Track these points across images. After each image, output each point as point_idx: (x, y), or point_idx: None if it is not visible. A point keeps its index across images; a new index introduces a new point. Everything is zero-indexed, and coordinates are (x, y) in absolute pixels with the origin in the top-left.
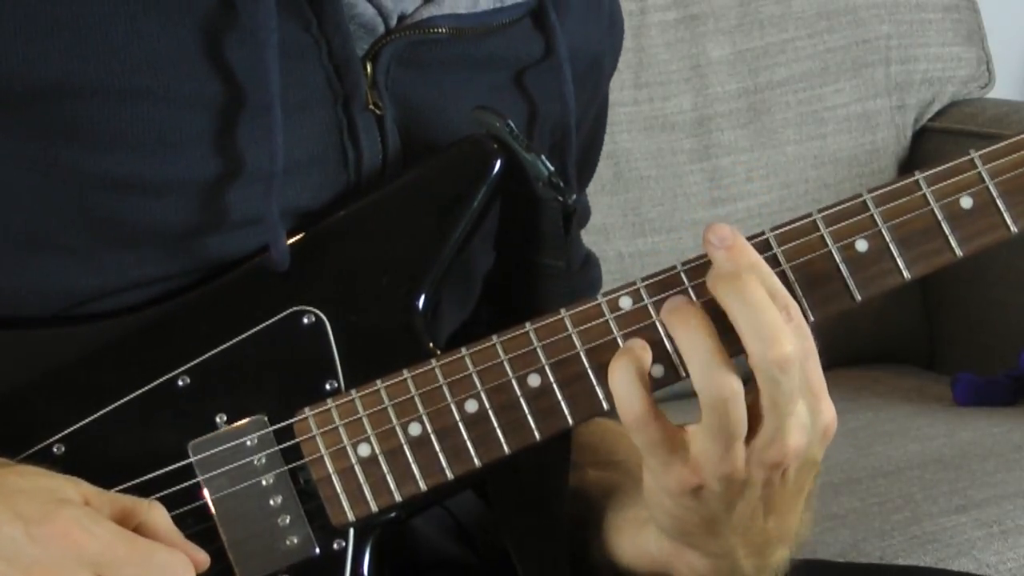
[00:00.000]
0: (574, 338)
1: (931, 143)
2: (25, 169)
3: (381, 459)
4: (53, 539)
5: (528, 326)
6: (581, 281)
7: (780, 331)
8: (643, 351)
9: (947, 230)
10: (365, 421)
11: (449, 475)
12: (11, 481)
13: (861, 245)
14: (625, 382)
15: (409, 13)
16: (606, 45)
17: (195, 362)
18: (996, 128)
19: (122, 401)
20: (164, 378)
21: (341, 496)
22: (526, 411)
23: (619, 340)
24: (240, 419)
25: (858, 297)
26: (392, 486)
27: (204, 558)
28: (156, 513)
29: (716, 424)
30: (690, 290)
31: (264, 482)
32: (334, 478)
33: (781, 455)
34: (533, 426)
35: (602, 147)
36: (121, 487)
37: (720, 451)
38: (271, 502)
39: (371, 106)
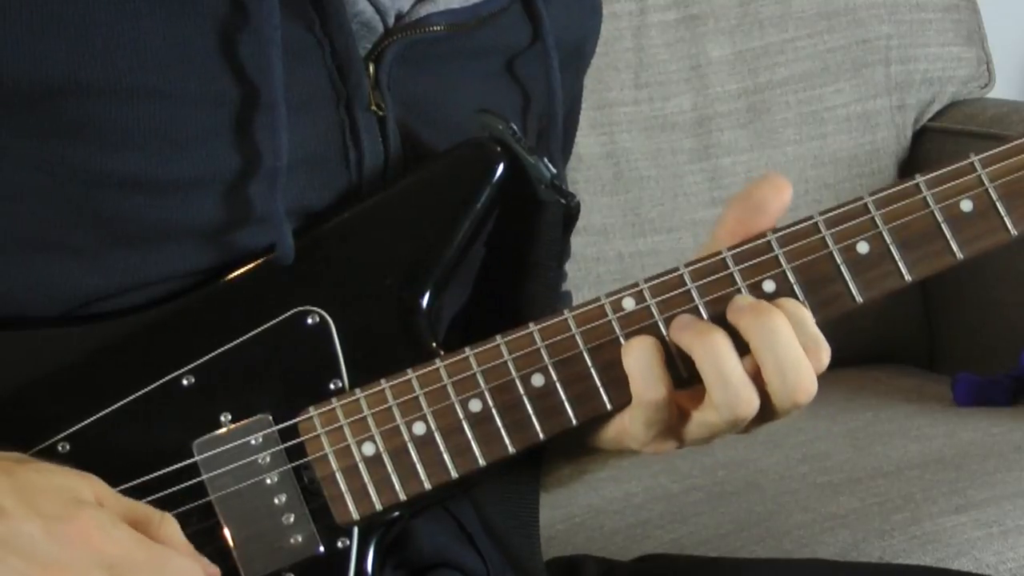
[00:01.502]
0: (577, 338)
1: (931, 143)
2: (31, 168)
3: (385, 458)
4: (72, 539)
5: (532, 326)
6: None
7: (807, 377)
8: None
9: (948, 233)
10: (370, 420)
11: (454, 474)
12: (29, 478)
13: (862, 247)
14: (644, 364)
15: (406, 11)
16: (588, 30)
17: (200, 361)
18: (996, 128)
19: (127, 400)
20: (169, 377)
21: (345, 494)
22: (530, 411)
23: (622, 340)
24: (244, 418)
25: (859, 299)
26: (397, 485)
27: (216, 572)
28: (168, 525)
29: (728, 427)
30: (693, 291)
31: (268, 481)
32: (338, 476)
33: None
34: (537, 426)
35: (578, 126)
36: (126, 485)
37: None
38: (275, 500)
39: (373, 107)
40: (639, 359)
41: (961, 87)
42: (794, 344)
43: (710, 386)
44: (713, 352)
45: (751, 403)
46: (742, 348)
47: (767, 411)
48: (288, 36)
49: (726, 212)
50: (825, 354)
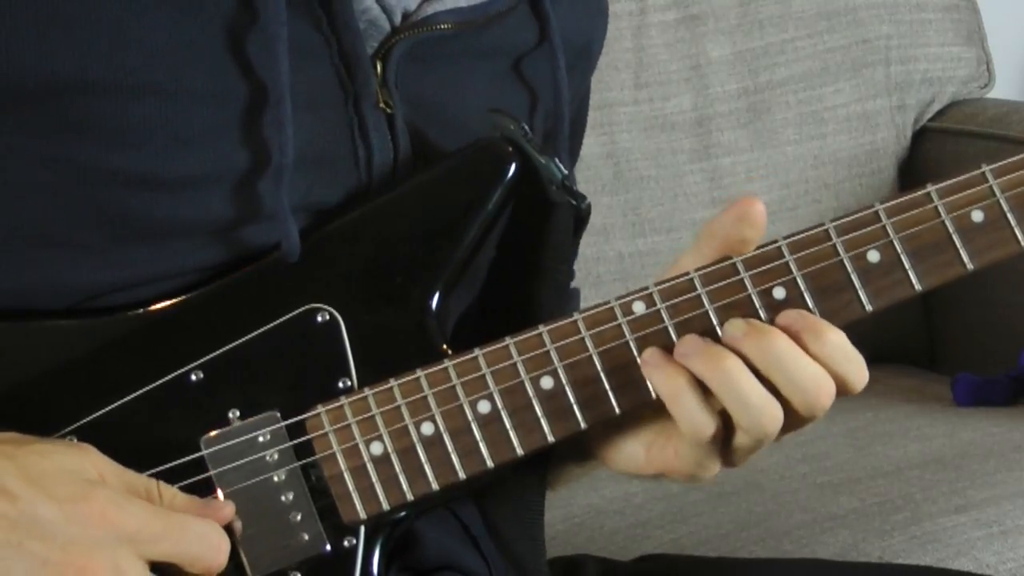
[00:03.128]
0: (587, 341)
1: (931, 143)
2: (38, 166)
3: (394, 457)
4: (91, 518)
5: (541, 328)
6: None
7: (826, 384)
8: (683, 366)
9: (958, 243)
10: (378, 419)
11: (462, 475)
12: (32, 461)
13: (873, 256)
14: (694, 407)
15: (412, 10)
16: (595, 29)
17: (208, 357)
18: (996, 128)
19: (135, 395)
20: (177, 372)
21: (353, 494)
22: (539, 413)
23: (631, 344)
24: (253, 415)
25: (870, 308)
26: (404, 485)
27: (229, 511)
28: (167, 492)
29: (758, 445)
30: (703, 296)
31: (276, 478)
32: (346, 475)
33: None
34: (546, 428)
35: (586, 127)
36: None
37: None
38: (283, 498)
39: (381, 105)
40: (678, 400)
41: (961, 87)
42: (801, 357)
43: (733, 411)
44: (727, 378)
45: (776, 419)
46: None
47: (793, 420)
48: (295, 34)
49: (701, 245)
50: (864, 369)
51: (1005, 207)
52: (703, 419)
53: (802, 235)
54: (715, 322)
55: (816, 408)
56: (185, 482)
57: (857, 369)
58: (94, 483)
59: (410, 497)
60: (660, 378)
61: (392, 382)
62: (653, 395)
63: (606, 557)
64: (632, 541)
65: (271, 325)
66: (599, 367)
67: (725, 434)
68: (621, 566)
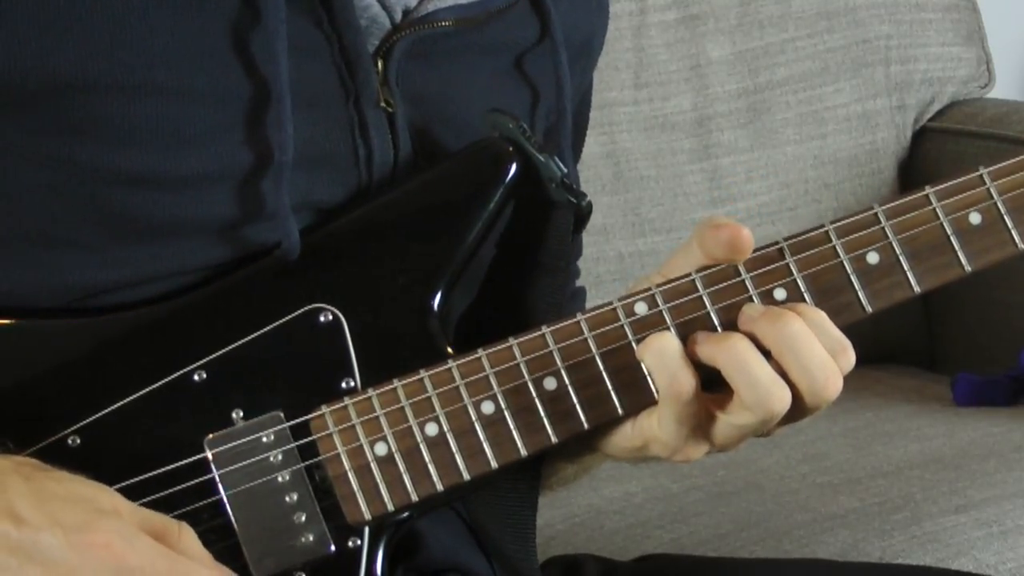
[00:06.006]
0: (590, 342)
1: (931, 143)
2: (40, 165)
3: (398, 458)
4: (94, 548)
5: (544, 329)
6: (571, 287)
7: (834, 373)
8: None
9: (956, 245)
10: (382, 419)
11: (466, 476)
12: (47, 486)
13: (872, 257)
14: (666, 356)
15: (413, 7)
16: (595, 25)
17: (212, 357)
18: (996, 128)
19: (139, 394)
20: (181, 372)
21: (357, 494)
22: (542, 413)
23: (634, 344)
24: (256, 415)
25: (869, 309)
26: (409, 485)
27: None
28: (187, 536)
29: (761, 426)
30: (705, 297)
31: (280, 479)
32: (351, 476)
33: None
34: (549, 429)
35: (588, 124)
36: (136, 479)
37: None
38: (287, 499)
39: (382, 103)
40: (659, 353)
41: (961, 87)
42: (815, 343)
43: (740, 390)
44: (737, 357)
45: (784, 400)
46: (764, 352)
47: (797, 410)
48: (297, 33)
49: (693, 249)
50: (851, 354)
51: (1002, 209)
52: (683, 375)
53: (802, 237)
54: (717, 323)
55: (821, 397)
56: (189, 482)
57: (849, 350)
58: (104, 513)
59: (415, 498)
60: (646, 340)
61: (396, 382)
62: (656, 396)
63: (606, 557)
64: (632, 541)
65: (274, 325)
66: (602, 368)
67: (719, 411)
68: (621, 566)
